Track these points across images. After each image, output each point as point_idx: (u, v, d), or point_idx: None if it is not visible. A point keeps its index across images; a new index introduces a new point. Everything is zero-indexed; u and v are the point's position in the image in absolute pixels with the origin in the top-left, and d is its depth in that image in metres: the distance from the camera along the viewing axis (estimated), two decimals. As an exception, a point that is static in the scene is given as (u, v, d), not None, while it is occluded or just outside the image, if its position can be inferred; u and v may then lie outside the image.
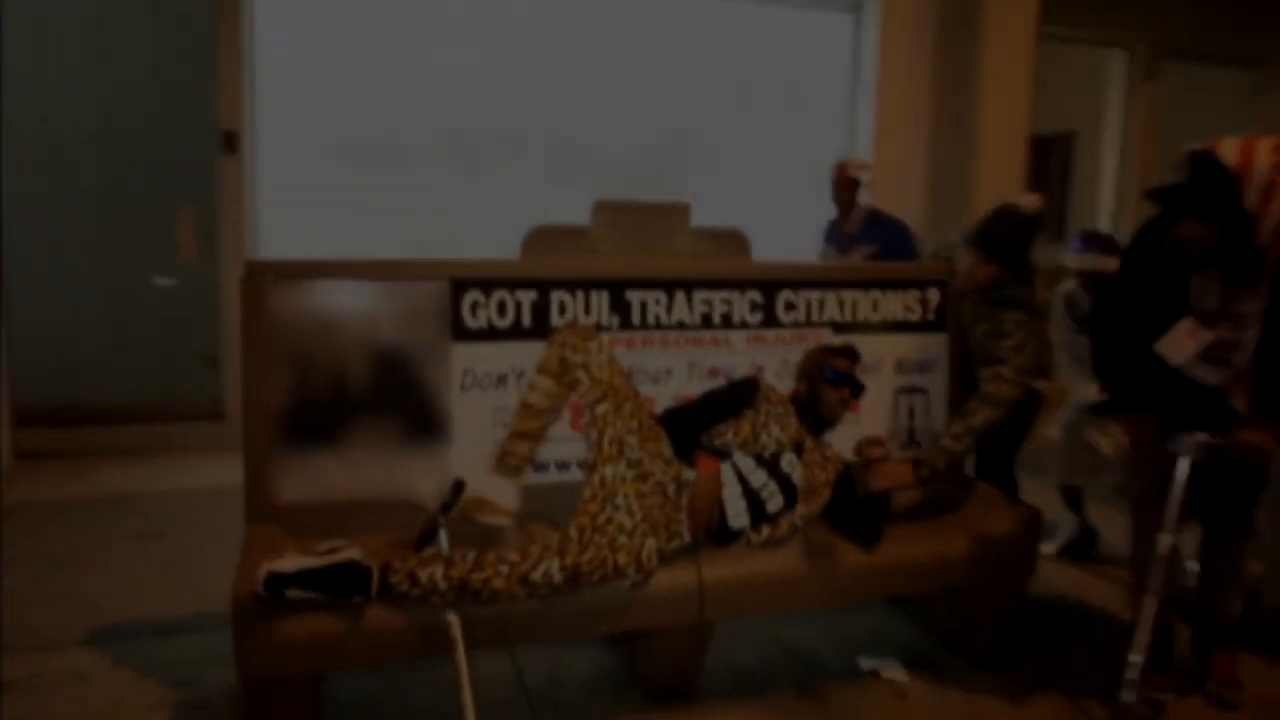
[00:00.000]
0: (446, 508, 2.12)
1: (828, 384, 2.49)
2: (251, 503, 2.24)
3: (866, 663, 2.58)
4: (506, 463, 2.20)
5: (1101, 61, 6.71)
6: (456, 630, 1.93)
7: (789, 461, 2.29)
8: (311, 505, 2.25)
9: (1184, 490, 2.18)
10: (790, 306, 2.70)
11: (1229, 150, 1.90)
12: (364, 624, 1.94)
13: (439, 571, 1.91)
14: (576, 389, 2.20)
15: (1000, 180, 5.60)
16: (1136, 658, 2.18)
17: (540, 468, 2.50)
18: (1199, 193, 1.97)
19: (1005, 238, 2.63)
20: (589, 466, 2.21)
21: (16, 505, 3.66)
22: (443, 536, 2.08)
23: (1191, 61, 6.71)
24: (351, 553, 1.95)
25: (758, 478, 2.27)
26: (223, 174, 4.61)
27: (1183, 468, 2.18)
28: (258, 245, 4.74)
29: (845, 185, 4.09)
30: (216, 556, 3.25)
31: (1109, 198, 6.77)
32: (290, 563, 1.90)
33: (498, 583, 1.92)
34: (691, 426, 2.35)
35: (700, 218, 2.75)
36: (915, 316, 2.84)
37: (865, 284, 2.78)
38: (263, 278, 2.22)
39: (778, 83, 5.70)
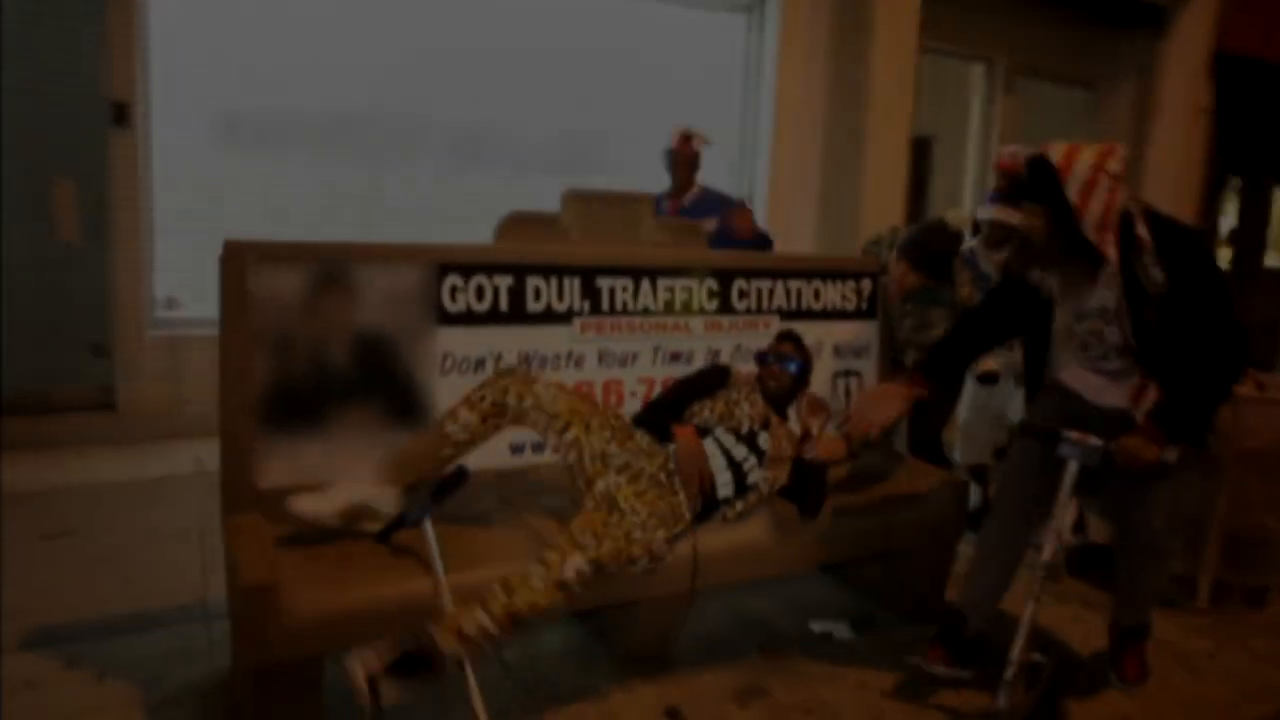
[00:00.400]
0: (439, 494, 2.13)
1: (762, 365, 2.65)
2: (231, 490, 2.18)
3: (818, 625, 2.79)
4: (404, 476, 2.15)
5: (966, 74, 7.32)
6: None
7: (764, 439, 2.46)
8: (294, 491, 2.21)
9: (1071, 495, 2.22)
10: (743, 294, 2.87)
11: (1054, 152, 2.15)
12: (368, 607, 1.95)
13: (483, 617, 1.88)
14: (531, 427, 2.26)
15: (885, 179, 6.04)
16: (1014, 657, 2.16)
17: (517, 449, 2.56)
18: (1031, 183, 2.19)
19: (932, 251, 2.89)
20: (584, 485, 2.26)
21: (-106, 507, 3.34)
22: (428, 526, 2.04)
23: (1041, 79, 7.45)
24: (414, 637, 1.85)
25: (740, 451, 2.42)
26: (113, 148, 4.32)
27: (1071, 471, 2.20)
28: (151, 225, 4.48)
29: (688, 159, 3.92)
30: (136, 553, 3.11)
31: (970, 195, 7.40)
32: (376, 662, 1.81)
33: (540, 600, 1.93)
34: (665, 410, 2.47)
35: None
36: (851, 305, 3.07)
37: (808, 274, 2.99)
38: (244, 258, 2.16)
39: (676, 80, 5.86)
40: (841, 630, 2.76)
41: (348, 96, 4.91)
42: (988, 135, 7.34)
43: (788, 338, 2.73)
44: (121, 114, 4.30)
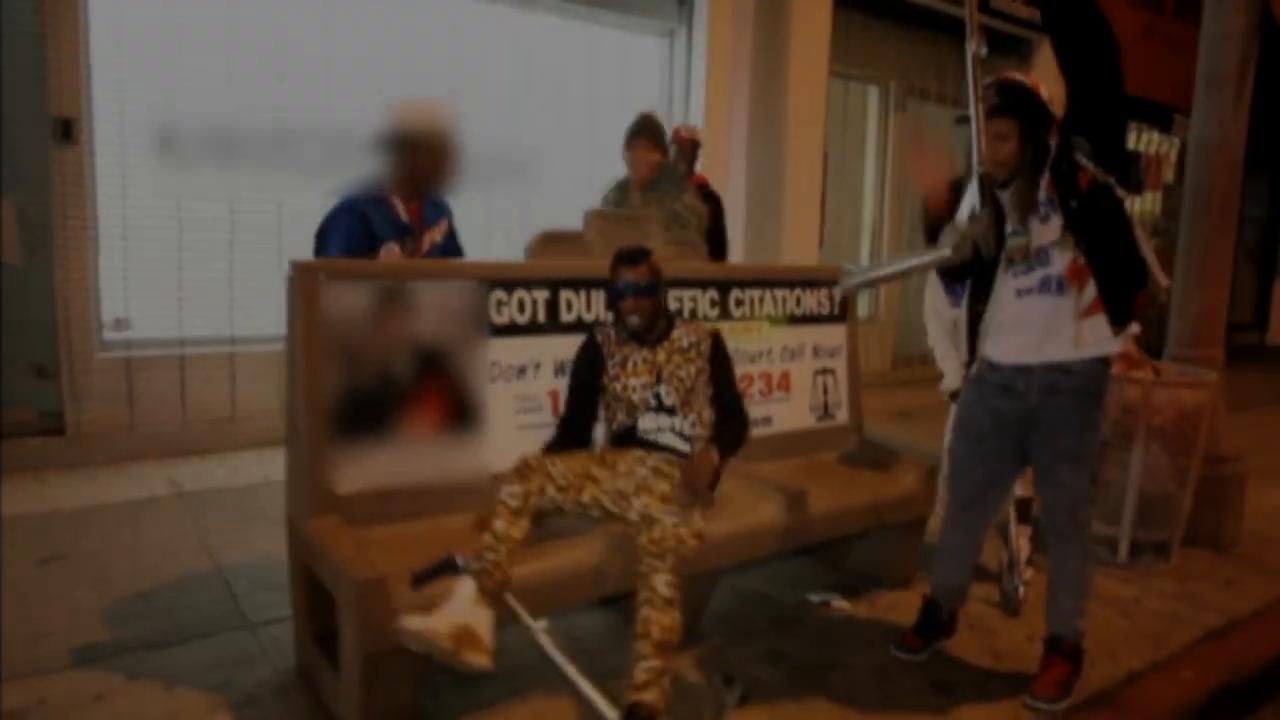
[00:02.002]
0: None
1: (614, 302, 2.61)
2: (308, 496, 2.29)
3: (815, 597, 3.11)
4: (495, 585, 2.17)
5: (863, 96, 7.95)
6: (515, 604, 2.20)
7: (664, 392, 2.59)
8: (367, 495, 2.35)
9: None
10: (739, 303, 3.17)
11: (1018, 76, 2.46)
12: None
13: (649, 676, 2.20)
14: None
15: (803, 191, 6.53)
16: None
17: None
18: (1006, 101, 2.42)
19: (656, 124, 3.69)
20: (618, 518, 2.43)
21: None
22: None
23: (926, 100, 8.17)
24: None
25: (663, 420, 2.59)
26: (58, 165, 4.20)
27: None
28: (98, 244, 4.37)
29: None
30: (144, 571, 3.12)
31: (870, 198, 8.08)
32: None
33: (666, 619, 2.21)
34: (579, 427, 2.64)
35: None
36: (826, 311, 3.43)
37: (790, 284, 3.33)
38: (315, 277, 2.29)
39: (602, 96, 6.13)
40: (837, 599, 3.10)
41: (294, 109, 4.92)
42: (882, 149, 8.02)
43: (641, 255, 2.58)
44: (68, 130, 4.20)
